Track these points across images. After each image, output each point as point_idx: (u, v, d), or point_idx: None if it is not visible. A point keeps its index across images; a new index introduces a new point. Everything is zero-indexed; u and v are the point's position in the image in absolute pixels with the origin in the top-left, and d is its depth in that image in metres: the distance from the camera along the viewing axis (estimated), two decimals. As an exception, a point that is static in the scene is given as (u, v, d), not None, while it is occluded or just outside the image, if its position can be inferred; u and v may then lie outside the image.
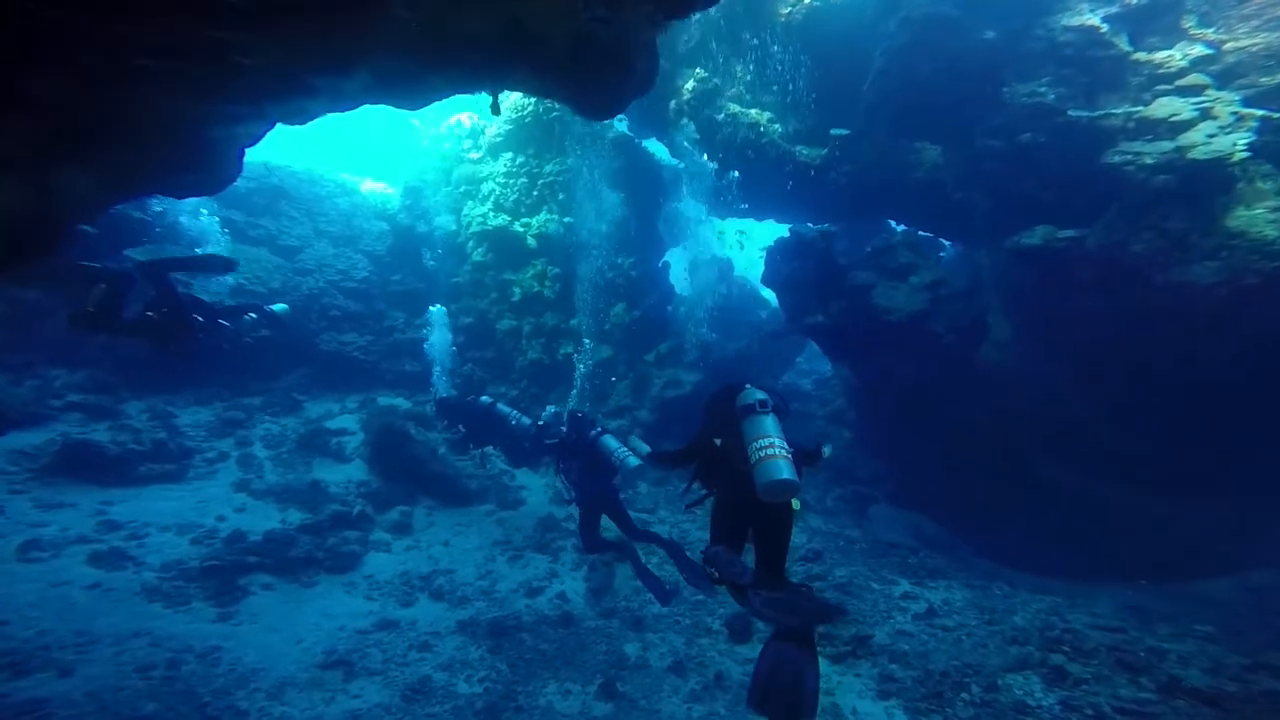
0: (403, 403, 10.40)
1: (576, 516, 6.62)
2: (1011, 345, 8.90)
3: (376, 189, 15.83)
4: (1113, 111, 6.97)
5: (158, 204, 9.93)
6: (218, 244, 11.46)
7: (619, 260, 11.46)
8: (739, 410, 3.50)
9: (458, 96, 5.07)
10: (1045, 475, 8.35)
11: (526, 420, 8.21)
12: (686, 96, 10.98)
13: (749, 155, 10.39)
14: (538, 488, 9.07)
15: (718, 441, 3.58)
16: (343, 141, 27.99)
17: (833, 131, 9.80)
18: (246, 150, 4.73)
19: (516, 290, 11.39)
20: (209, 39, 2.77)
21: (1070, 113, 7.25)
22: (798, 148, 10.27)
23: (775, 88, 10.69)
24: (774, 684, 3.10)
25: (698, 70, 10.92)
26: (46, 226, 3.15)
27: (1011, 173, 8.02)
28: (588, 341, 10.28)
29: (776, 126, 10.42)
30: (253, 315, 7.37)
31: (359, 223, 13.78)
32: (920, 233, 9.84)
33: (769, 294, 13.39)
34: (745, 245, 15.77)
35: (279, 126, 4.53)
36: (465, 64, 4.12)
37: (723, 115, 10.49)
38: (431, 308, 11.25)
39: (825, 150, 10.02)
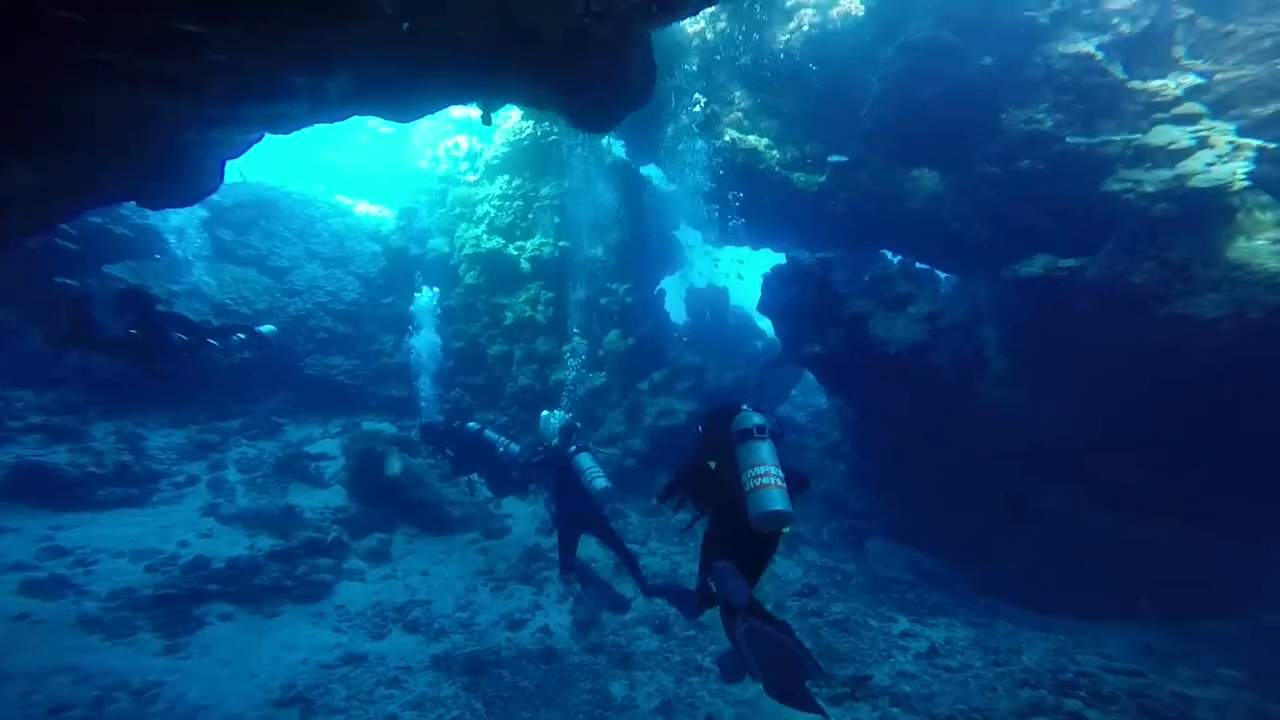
0: (388, 428, 10.02)
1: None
2: (1009, 378, 8.71)
3: (372, 211, 15.83)
4: (1111, 139, 6.99)
5: (139, 218, 9.77)
6: (200, 262, 11.29)
7: (613, 286, 11.32)
8: (735, 434, 3.41)
9: (458, 119, 4.95)
10: (1045, 508, 8.05)
11: (515, 447, 7.88)
12: (684, 121, 11.08)
13: (747, 181, 10.40)
14: (524, 516, 8.65)
15: (712, 464, 3.51)
16: (341, 166, 28.26)
17: (830, 159, 9.86)
18: (239, 167, 4.52)
19: (509, 314, 11.18)
20: (175, 30, 2.58)
21: (1069, 139, 7.27)
22: (795, 174, 10.30)
23: (773, 115, 10.81)
24: (773, 665, 3.15)
25: (696, 95, 11.06)
26: None
27: (1010, 201, 7.99)
28: (571, 358, 9.86)
29: (774, 153, 10.47)
30: (240, 336, 7.24)
31: (351, 244, 13.67)
32: (917, 264, 9.80)
33: (765, 324, 13.30)
34: (744, 275, 15.73)
35: (276, 146, 4.33)
36: (454, 68, 3.99)
37: (721, 141, 10.55)
38: (419, 292, 10.91)
39: (823, 177, 10.05)
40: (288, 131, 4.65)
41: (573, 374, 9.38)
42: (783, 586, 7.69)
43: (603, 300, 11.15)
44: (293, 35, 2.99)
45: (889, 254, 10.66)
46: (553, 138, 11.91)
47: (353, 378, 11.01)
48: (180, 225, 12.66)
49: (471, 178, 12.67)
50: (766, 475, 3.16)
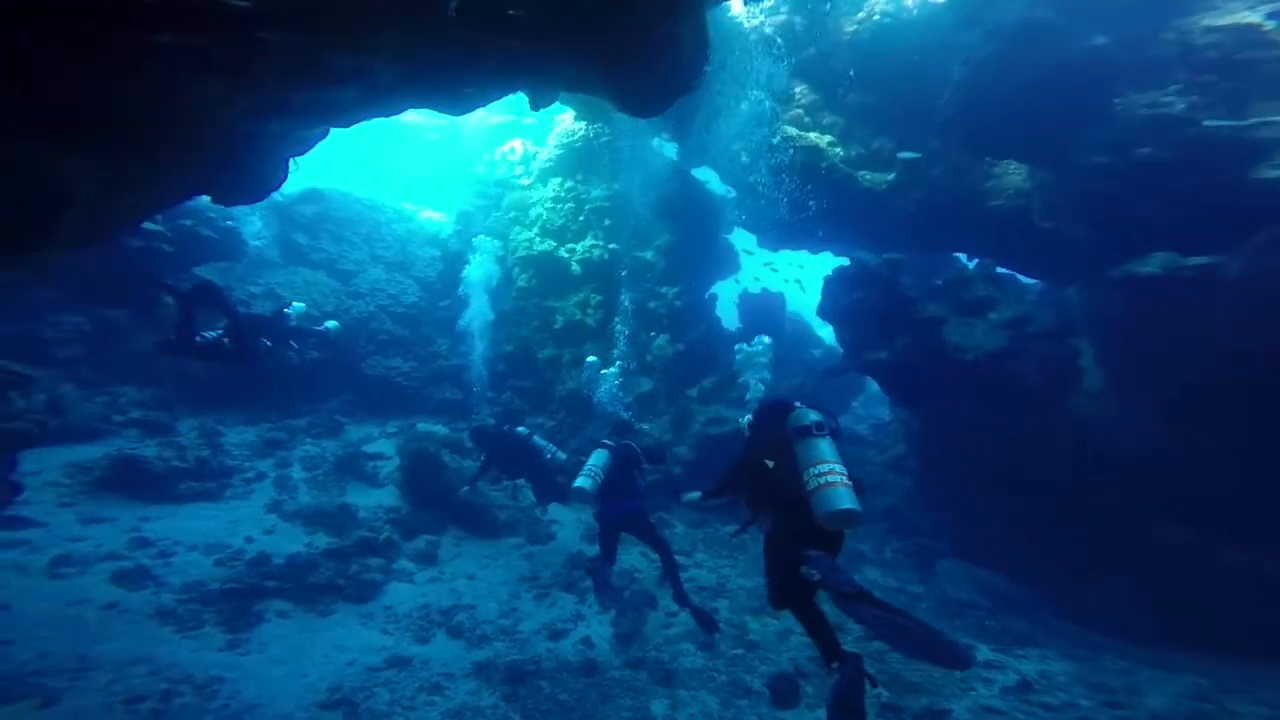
0: (441, 429, 10.29)
1: None
2: (1107, 390, 7.87)
3: (435, 217, 16.37)
4: (1271, 120, 6.12)
5: (223, 220, 10.43)
6: (276, 265, 11.98)
7: (663, 290, 11.15)
8: (793, 431, 3.34)
9: (511, 121, 4.92)
10: (1154, 534, 7.21)
11: (562, 455, 7.88)
12: (740, 120, 10.74)
13: (807, 181, 9.95)
14: (570, 522, 8.64)
15: (770, 463, 3.40)
16: (409, 175, 29.41)
17: (900, 155, 9.28)
18: (307, 165, 4.63)
19: (559, 318, 11.23)
20: (223, 5, 2.58)
21: (1205, 123, 6.43)
22: (861, 173, 9.76)
23: (836, 110, 10.30)
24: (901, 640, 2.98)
25: (753, 92, 10.69)
26: (47, 214, 2.99)
27: (1121, 194, 7.17)
28: (592, 359, 9.50)
29: (838, 150, 9.97)
30: (315, 331, 8.02)
31: (413, 249, 14.17)
32: (998, 268, 9.04)
33: (825, 331, 12.78)
34: (804, 282, 15.16)
35: (349, 153, 4.42)
36: (500, 53, 3.91)
37: (779, 139, 10.14)
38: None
39: (892, 175, 9.47)
40: (346, 124, 4.74)
41: (614, 380, 9.22)
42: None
43: (651, 304, 11.00)
44: (340, 12, 2.98)
45: (962, 257, 9.94)
46: (604, 139, 11.87)
47: (409, 379, 11.39)
48: (260, 229, 13.58)
49: (525, 181, 12.84)
50: (831, 473, 3.07)
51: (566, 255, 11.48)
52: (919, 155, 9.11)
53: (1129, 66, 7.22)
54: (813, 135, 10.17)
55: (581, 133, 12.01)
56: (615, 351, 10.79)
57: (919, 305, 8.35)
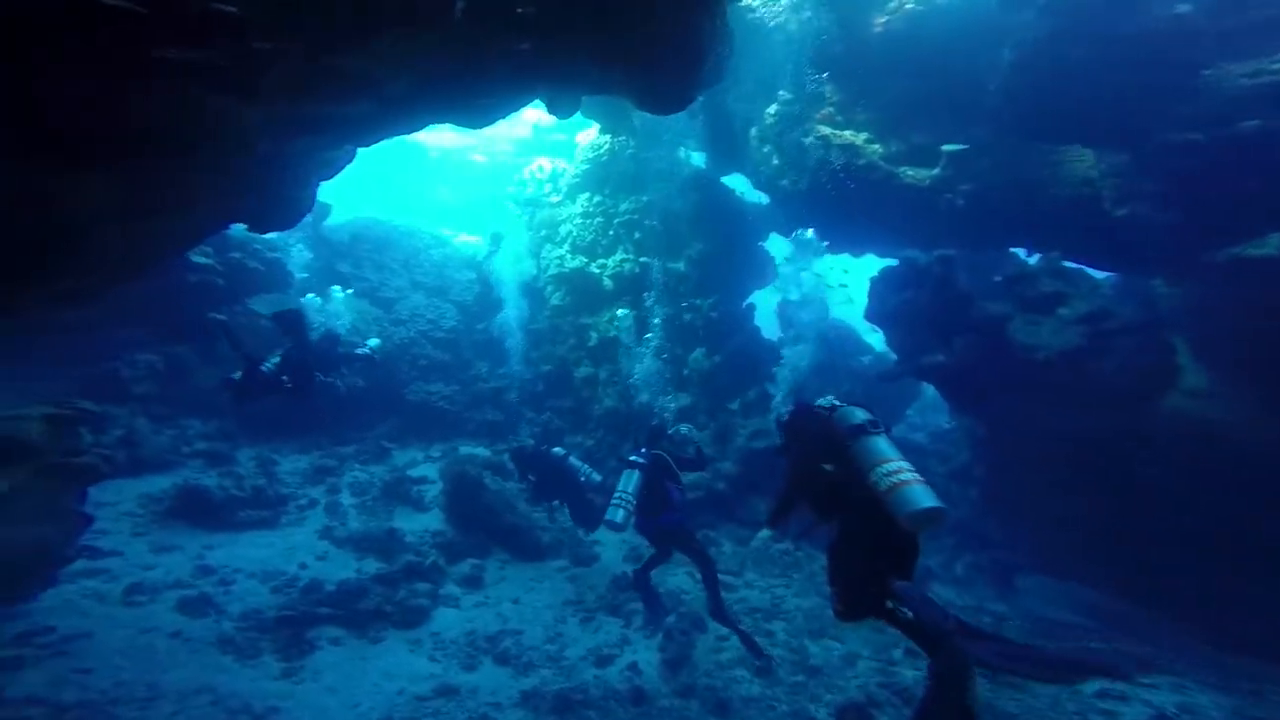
0: (482, 451, 10.41)
1: None
2: (1216, 390, 7.20)
3: (471, 241, 16.76)
4: None
5: (269, 252, 10.91)
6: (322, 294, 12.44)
7: (697, 302, 11.03)
8: (846, 431, 3.25)
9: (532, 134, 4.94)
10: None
11: (598, 476, 7.83)
12: (769, 122, 10.57)
13: (843, 181, 9.68)
14: (613, 543, 8.55)
15: (829, 468, 3.28)
16: (448, 202, 30.31)
17: (944, 147, 8.89)
18: (345, 194, 4.75)
19: (593, 334, 11.26)
20: (213, 13, 2.61)
21: None
22: (902, 169, 9.40)
23: (871, 106, 10.00)
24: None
25: (781, 93, 10.50)
26: (60, 241, 3.03)
27: (1220, 172, 6.66)
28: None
29: (876, 147, 9.66)
30: (359, 356, 8.33)
31: (450, 273, 14.51)
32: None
33: (874, 338, 12.33)
34: (848, 285, 14.81)
35: (390, 183, 4.53)
36: (510, 55, 3.89)
37: (811, 139, 9.91)
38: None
39: (936, 170, 9.09)
40: (367, 143, 4.80)
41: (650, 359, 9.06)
42: None
43: (686, 316, 10.89)
44: (333, 16, 3.00)
45: (1020, 253, 9.44)
46: (630, 150, 11.89)
47: (451, 403, 11.60)
48: (309, 260, 14.19)
49: (555, 199, 12.99)
50: (902, 471, 2.95)
51: (598, 271, 11.52)
52: (966, 147, 8.72)
53: (1214, 36, 6.73)
54: (847, 133, 9.90)
55: (607, 146, 12.09)
56: (649, 364, 10.72)
57: (977, 304, 7.95)
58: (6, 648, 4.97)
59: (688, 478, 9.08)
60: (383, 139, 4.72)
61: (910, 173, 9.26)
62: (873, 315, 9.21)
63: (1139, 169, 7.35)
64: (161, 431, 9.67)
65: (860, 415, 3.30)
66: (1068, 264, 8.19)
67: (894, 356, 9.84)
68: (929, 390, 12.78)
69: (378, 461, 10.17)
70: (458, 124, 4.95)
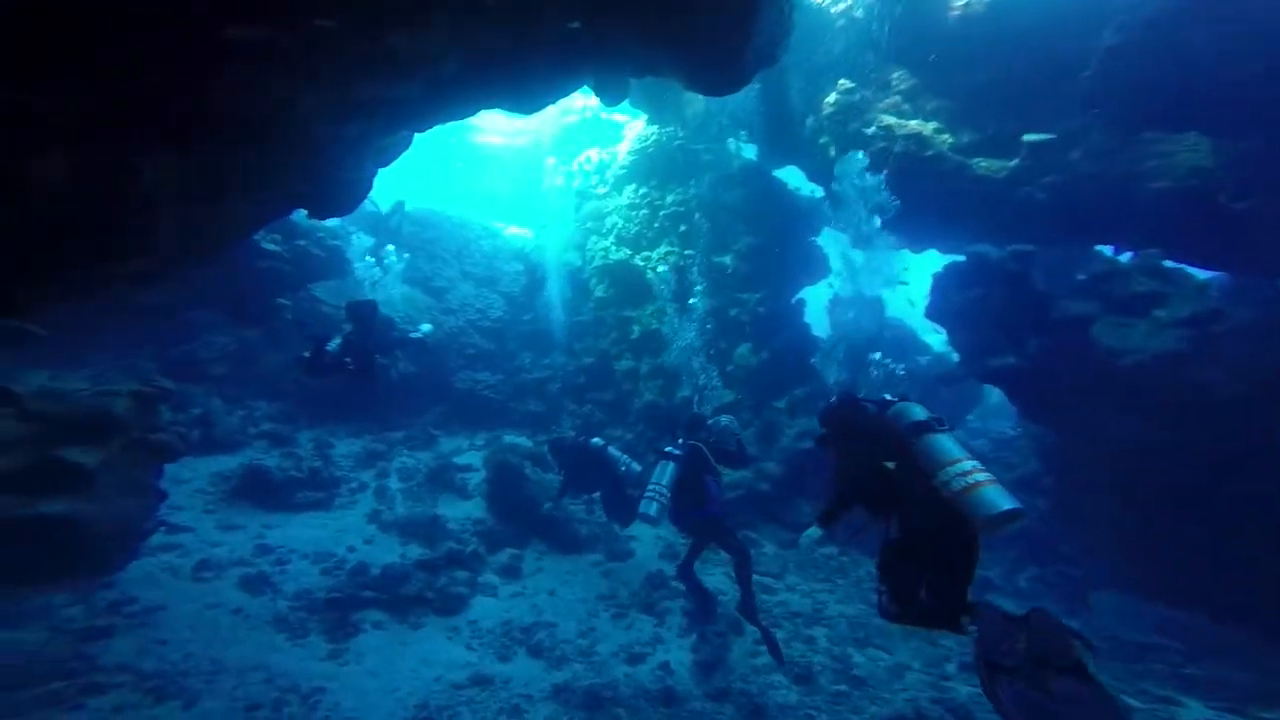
0: (525, 442, 10.57)
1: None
2: None
3: (520, 234, 16.96)
4: None
5: (330, 239, 11.36)
6: (379, 283, 12.91)
7: (744, 296, 10.75)
8: (906, 428, 3.16)
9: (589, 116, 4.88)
10: None
11: (638, 467, 7.77)
12: (828, 111, 10.08)
13: (909, 173, 9.15)
14: (649, 538, 8.53)
15: (890, 465, 3.20)
16: (499, 194, 30.72)
17: (1025, 138, 8.26)
18: (402, 188, 4.86)
19: (636, 328, 11.18)
20: None
21: None
22: (976, 160, 8.79)
23: (942, 94, 9.39)
24: None
25: (841, 82, 9.99)
26: (123, 211, 3.12)
27: None
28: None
29: (946, 137, 9.08)
30: (413, 340, 8.70)
31: (499, 264, 14.74)
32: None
33: (934, 338, 11.70)
34: (909, 283, 14.17)
35: (442, 173, 4.60)
36: (560, 34, 3.85)
37: (874, 129, 9.41)
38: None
39: (1015, 161, 8.46)
40: (421, 128, 4.84)
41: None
42: (968, 642, 6.62)
43: (732, 311, 10.64)
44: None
45: (1106, 251, 8.71)
46: (678, 141, 11.65)
47: (496, 392, 11.82)
48: (365, 248, 14.76)
49: (601, 190, 12.91)
50: (976, 472, 2.85)
51: (642, 263, 11.40)
52: (1051, 136, 8.05)
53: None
54: (914, 123, 9.33)
55: (654, 137, 11.88)
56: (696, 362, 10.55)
57: (1057, 304, 7.39)
58: (101, 616, 5.43)
59: (729, 476, 8.95)
60: (436, 124, 4.75)
61: (984, 164, 8.65)
62: (935, 313, 8.72)
63: (1269, 158, 6.57)
64: (233, 412, 10.27)
65: (920, 412, 3.19)
66: (1166, 263, 7.47)
67: (955, 357, 9.29)
68: (992, 395, 12.07)
69: (425, 448, 10.51)
70: (507, 109, 4.93)
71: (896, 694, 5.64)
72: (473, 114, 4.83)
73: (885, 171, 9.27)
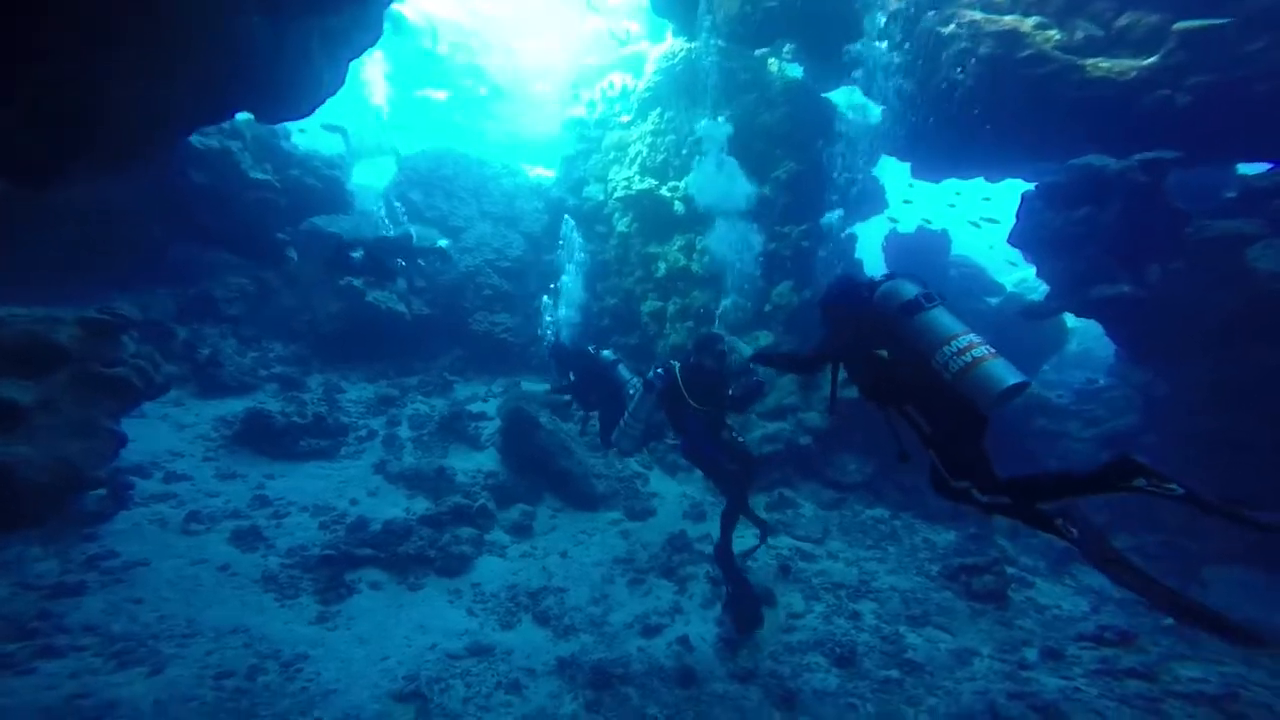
0: (544, 388, 9.90)
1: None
2: None
3: (544, 174, 15.85)
4: None
5: (326, 169, 10.65)
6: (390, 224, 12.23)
7: (784, 229, 9.52)
8: (897, 309, 2.94)
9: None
10: None
11: None
12: (895, 7, 8.49)
13: (995, 82, 7.61)
14: (672, 496, 7.83)
15: (883, 354, 3.02)
16: (531, 140, 29.20)
17: (1176, 26, 6.64)
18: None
19: (661, 265, 10.14)
20: None
21: None
22: (1093, 61, 7.19)
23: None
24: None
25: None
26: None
27: None
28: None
29: (1052, 33, 7.48)
30: (434, 249, 9.37)
31: (520, 203, 13.82)
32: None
33: (1007, 277, 10.36)
34: (982, 225, 12.56)
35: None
36: None
37: (953, 27, 7.85)
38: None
39: (1155, 58, 6.84)
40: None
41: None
42: (1056, 625, 5.73)
43: (771, 245, 9.45)
44: None
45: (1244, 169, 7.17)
46: (711, 57, 10.17)
47: (515, 335, 11.12)
48: (381, 189, 14.12)
49: (625, 118, 11.64)
50: (973, 346, 2.68)
51: (669, 194, 10.22)
52: (1222, 21, 6.40)
53: None
54: (1008, 18, 7.69)
55: (683, 54, 10.42)
56: (727, 302, 9.50)
57: (1198, 223, 6.07)
58: (75, 572, 5.08)
59: (766, 428, 8.01)
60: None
61: (1104, 64, 7.02)
62: (1022, 238, 7.46)
63: None
64: (245, 353, 9.90)
65: (911, 288, 2.94)
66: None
67: (1030, 296, 7.96)
68: (1073, 344, 10.65)
69: (440, 394, 9.97)
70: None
71: (961, 684, 4.84)
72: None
73: (960, 73, 7.72)
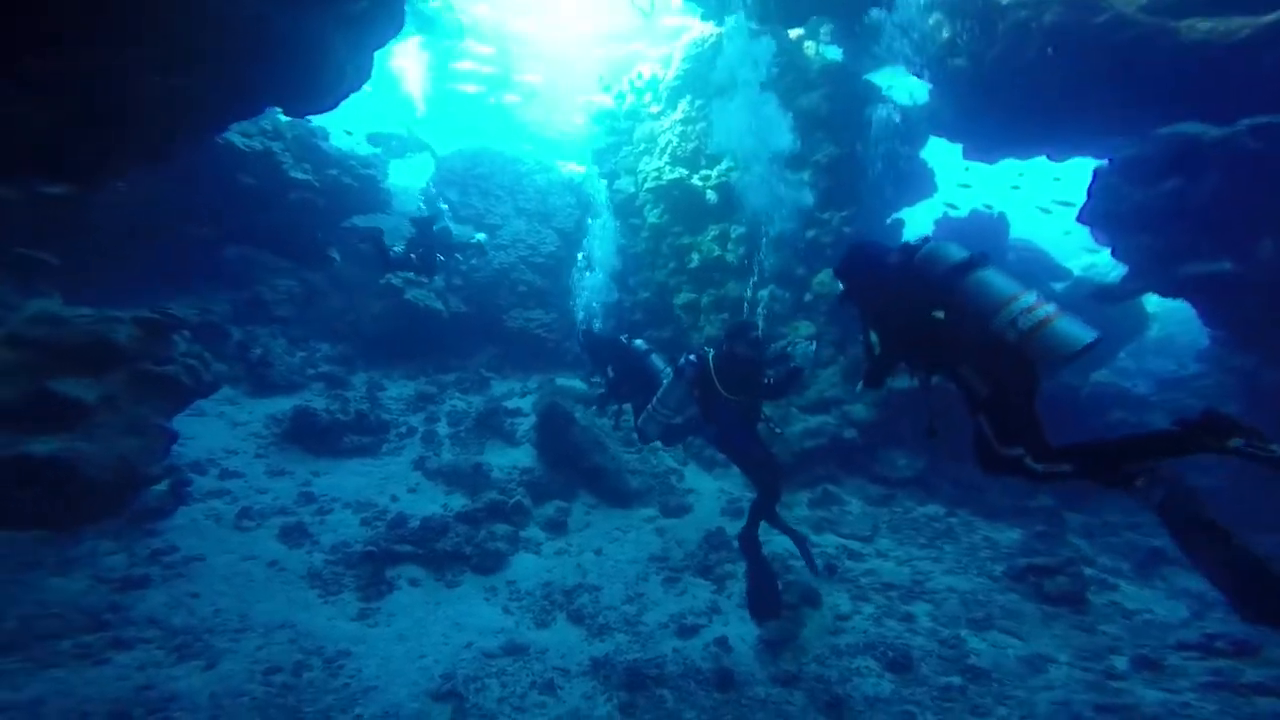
0: (579, 384, 9.89)
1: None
2: None
3: (576, 170, 15.80)
4: None
5: (362, 168, 10.90)
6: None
7: (824, 215, 9.15)
8: (947, 271, 2.80)
9: None
10: None
11: None
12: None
13: (1061, 52, 7.04)
14: (709, 492, 7.67)
15: (940, 315, 2.84)
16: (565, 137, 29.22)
17: None
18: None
19: (695, 256, 9.92)
20: None
21: None
22: (1187, 21, 6.56)
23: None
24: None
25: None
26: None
27: None
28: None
29: None
30: (471, 244, 9.36)
31: (553, 199, 13.83)
32: None
33: (1073, 262, 9.65)
34: (1053, 210, 11.83)
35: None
36: None
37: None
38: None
39: (1274, 15, 6.19)
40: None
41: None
42: (1149, 631, 5.31)
43: (810, 232, 9.10)
44: None
45: None
46: (740, 42, 9.84)
47: (550, 331, 11.14)
48: (418, 189, 14.46)
49: (655, 108, 11.42)
50: (1039, 305, 2.56)
51: (700, 183, 9.97)
52: None
53: None
54: None
55: (712, 40, 10.11)
56: (764, 293, 9.22)
57: None
58: (140, 565, 5.36)
59: (807, 422, 7.76)
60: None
61: (1203, 25, 6.37)
62: (1096, 216, 6.92)
63: None
64: (294, 353, 10.27)
65: (957, 250, 2.83)
66: None
67: (1101, 280, 7.40)
68: (1154, 329, 9.89)
69: (477, 391, 10.08)
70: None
71: (1036, 693, 4.51)
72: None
73: (1021, 45, 7.17)
